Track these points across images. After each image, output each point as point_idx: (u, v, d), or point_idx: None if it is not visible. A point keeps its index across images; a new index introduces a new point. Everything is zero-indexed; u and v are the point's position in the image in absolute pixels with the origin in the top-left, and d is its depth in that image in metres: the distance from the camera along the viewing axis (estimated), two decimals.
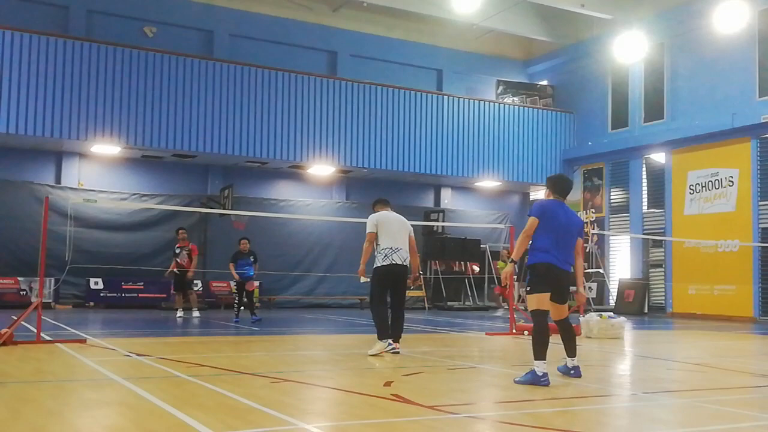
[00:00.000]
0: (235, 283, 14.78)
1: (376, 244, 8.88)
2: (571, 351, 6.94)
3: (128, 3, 19.73)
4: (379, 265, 8.80)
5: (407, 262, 8.90)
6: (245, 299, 14.52)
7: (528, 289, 6.79)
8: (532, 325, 6.81)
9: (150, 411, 5.14)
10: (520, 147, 22.71)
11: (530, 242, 6.79)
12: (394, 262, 8.74)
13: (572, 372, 6.91)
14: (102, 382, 6.51)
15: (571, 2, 20.54)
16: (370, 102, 20.68)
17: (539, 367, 6.46)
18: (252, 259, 14.65)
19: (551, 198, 7.02)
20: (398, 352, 8.66)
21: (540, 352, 6.51)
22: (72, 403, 5.57)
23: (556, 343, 7.11)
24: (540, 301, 6.73)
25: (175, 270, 15.47)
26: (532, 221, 6.78)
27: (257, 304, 15.62)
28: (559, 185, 7.07)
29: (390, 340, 8.68)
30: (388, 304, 8.95)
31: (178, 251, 15.71)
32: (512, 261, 6.84)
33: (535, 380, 6.43)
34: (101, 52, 17.63)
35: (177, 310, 15.73)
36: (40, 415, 4.92)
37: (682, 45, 20.21)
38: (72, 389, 6.21)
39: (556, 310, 6.88)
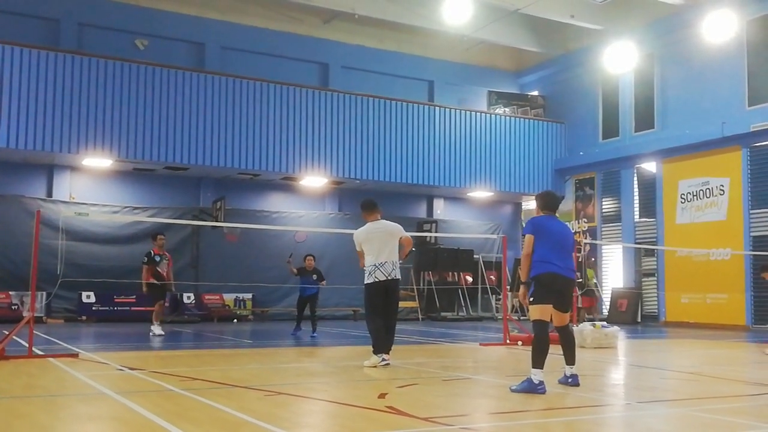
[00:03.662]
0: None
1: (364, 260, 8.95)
2: (570, 359, 7.01)
3: (119, 16, 19.73)
4: (366, 282, 8.86)
5: (393, 275, 8.81)
6: (310, 314, 14.59)
7: (531, 299, 6.89)
8: (527, 335, 6.85)
9: (142, 425, 5.11)
10: (511, 157, 22.77)
11: (536, 253, 6.92)
12: (377, 279, 8.75)
13: (570, 380, 6.95)
14: (94, 396, 6.47)
15: (561, 13, 20.67)
16: (361, 113, 20.71)
17: (536, 375, 6.51)
18: (315, 277, 14.71)
19: (542, 214, 7.21)
20: (388, 364, 8.62)
21: (538, 361, 6.58)
22: (64, 417, 5.53)
23: (556, 354, 7.12)
24: (542, 312, 6.84)
25: (154, 281, 13.83)
26: (528, 238, 6.96)
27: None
28: (547, 201, 7.29)
29: (384, 355, 8.64)
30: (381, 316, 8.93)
31: (158, 259, 13.95)
32: (523, 283, 6.98)
33: (532, 388, 6.47)
34: (93, 65, 17.61)
35: (156, 325, 13.77)
36: (32, 430, 4.88)
37: (671, 55, 20.34)
38: (64, 404, 6.18)
39: (558, 318, 7.01)
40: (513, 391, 6.57)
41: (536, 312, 6.85)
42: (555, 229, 7.02)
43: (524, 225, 7.26)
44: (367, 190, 21.58)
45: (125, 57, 18.49)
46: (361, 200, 9.46)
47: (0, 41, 16.84)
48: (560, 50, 23.39)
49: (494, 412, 6.03)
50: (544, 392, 6.43)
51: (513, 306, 21.65)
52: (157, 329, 13.72)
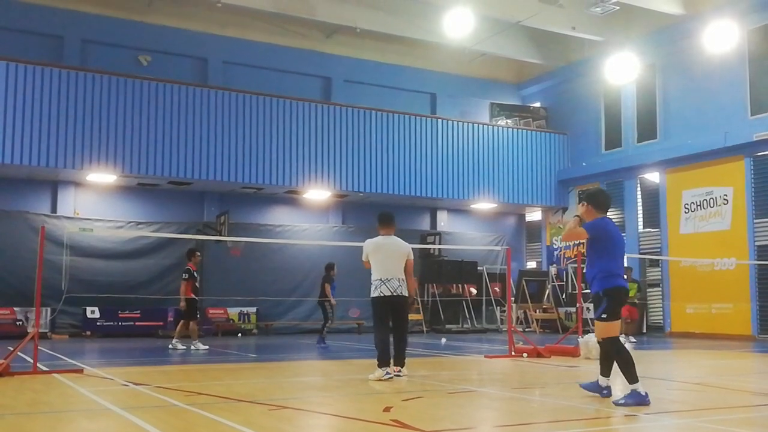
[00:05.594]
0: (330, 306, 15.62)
1: (371, 272, 8.97)
2: (606, 370, 7.02)
3: (122, 32, 19.85)
4: (372, 296, 8.89)
5: (399, 291, 8.82)
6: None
7: (604, 316, 6.80)
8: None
9: None
10: (514, 169, 22.80)
11: (600, 264, 6.73)
12: (382, 294, 8.78)
13: (604, 392, 6.97)
14: (99, 412, 6.46)
15: (562, 25, 20.72)
16: (364, 126, 20.77)
17: (639, 387, 6.51)
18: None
19: (596, 216, 6.88)
20: (399, 376, 8.62)
21: (634, 376, 6.57)
22: None
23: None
24: (617, 328, 6.86)
25: (194, 297, 14.10)
26: (582, 231, 6.75)
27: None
28: (601, 201, 6.94)
29: (388, 369, 8.63)
30: (389, 329, 8.96)
31: (196, 275, 14.38)
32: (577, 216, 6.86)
33: (641, 400, 6.45)
34: (96, 81, 17.71)
35: (194, 341, 14.03)
36: None
37: (673, 65, 20.38)
38: (69, 420, 6.17)
39: None
40: (619, 404, 6.46)
41: (613, 329, 6.80)
42: (618, 237, 6.77)
43: (583, 224, 6.84)
44: (371, 203, 21.63)
45: (128, 73, 18.59)
46: (379, 212, 9.48)
47: (4, 58, 16.97)
48: (562, 62, 23.45)
49: (500, 424, 6.01)
50: (649, 403, 6.41)
51: (518, 318, 21.61)
52: (200, 345, 13.96)
